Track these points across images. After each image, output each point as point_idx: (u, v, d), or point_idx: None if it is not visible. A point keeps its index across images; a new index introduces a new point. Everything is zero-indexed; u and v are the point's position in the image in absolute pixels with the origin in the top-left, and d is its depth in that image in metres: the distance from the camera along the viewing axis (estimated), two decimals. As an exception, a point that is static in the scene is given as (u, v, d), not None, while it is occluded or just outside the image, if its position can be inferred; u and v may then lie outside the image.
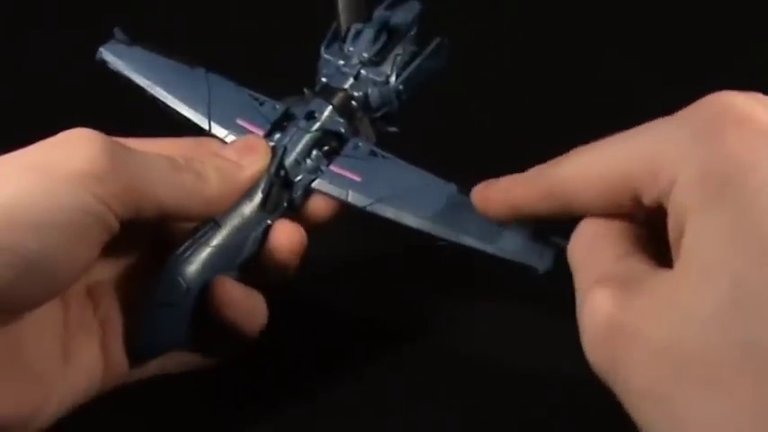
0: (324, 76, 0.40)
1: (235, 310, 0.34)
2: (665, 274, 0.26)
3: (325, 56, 0.40)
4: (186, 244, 0.34)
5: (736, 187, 0.24)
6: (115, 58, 0.40)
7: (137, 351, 0.35)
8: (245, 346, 0.36)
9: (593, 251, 0.29)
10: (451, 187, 0.36)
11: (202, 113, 0.38)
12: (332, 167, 0.37)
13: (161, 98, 0.39)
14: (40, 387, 0.32)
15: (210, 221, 0.35)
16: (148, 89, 0.39)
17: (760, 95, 0.27)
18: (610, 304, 0.26)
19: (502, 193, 0.32)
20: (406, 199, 0.36)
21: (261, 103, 0.39)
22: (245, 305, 0.34)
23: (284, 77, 0.40)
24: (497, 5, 0.58)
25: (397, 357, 0.41)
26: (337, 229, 0.38)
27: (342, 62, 0.40)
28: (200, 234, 0.34)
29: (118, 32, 0.41)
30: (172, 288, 0.34)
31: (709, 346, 0.23)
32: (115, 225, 0.32)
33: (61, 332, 0.34)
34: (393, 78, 0.39)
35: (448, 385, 0.40)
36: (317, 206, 0.37)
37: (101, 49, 0.40)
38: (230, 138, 0.38)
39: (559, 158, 0.30)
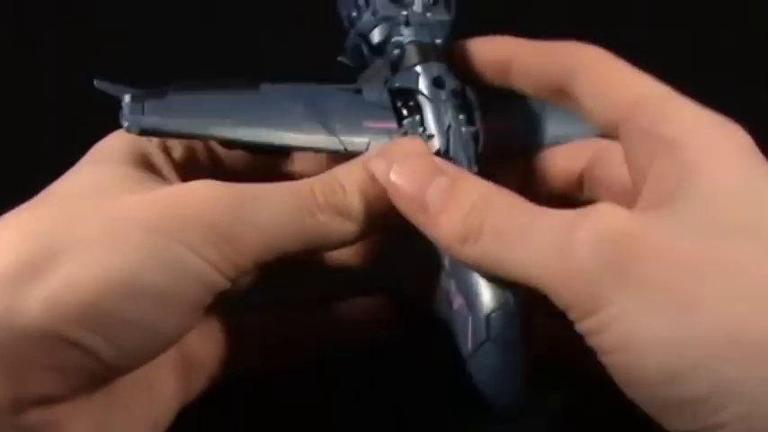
0: (398, 36, 0.34)
1: None
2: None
3: (384, 13, 0.34)
4: None
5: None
6: (150, 118, 0.30)
7: None
8: None
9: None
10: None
11: (316, 132, 0.31)
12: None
13: (237, 137, 0.31)
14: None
15: None
16: (205, 131, 0.31)
17: None
18: (624, 217, 0.25)
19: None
20: None
21: (357, 92, 0.33)
22: None
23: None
24: None
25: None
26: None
27: (404, 13, 0.34)
28: None
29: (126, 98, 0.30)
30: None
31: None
32: (225, 284, 0.28)
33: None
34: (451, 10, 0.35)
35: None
36: None
37: (124, 122, 0.30)
38: (373, 146, 0.32)
39: None
